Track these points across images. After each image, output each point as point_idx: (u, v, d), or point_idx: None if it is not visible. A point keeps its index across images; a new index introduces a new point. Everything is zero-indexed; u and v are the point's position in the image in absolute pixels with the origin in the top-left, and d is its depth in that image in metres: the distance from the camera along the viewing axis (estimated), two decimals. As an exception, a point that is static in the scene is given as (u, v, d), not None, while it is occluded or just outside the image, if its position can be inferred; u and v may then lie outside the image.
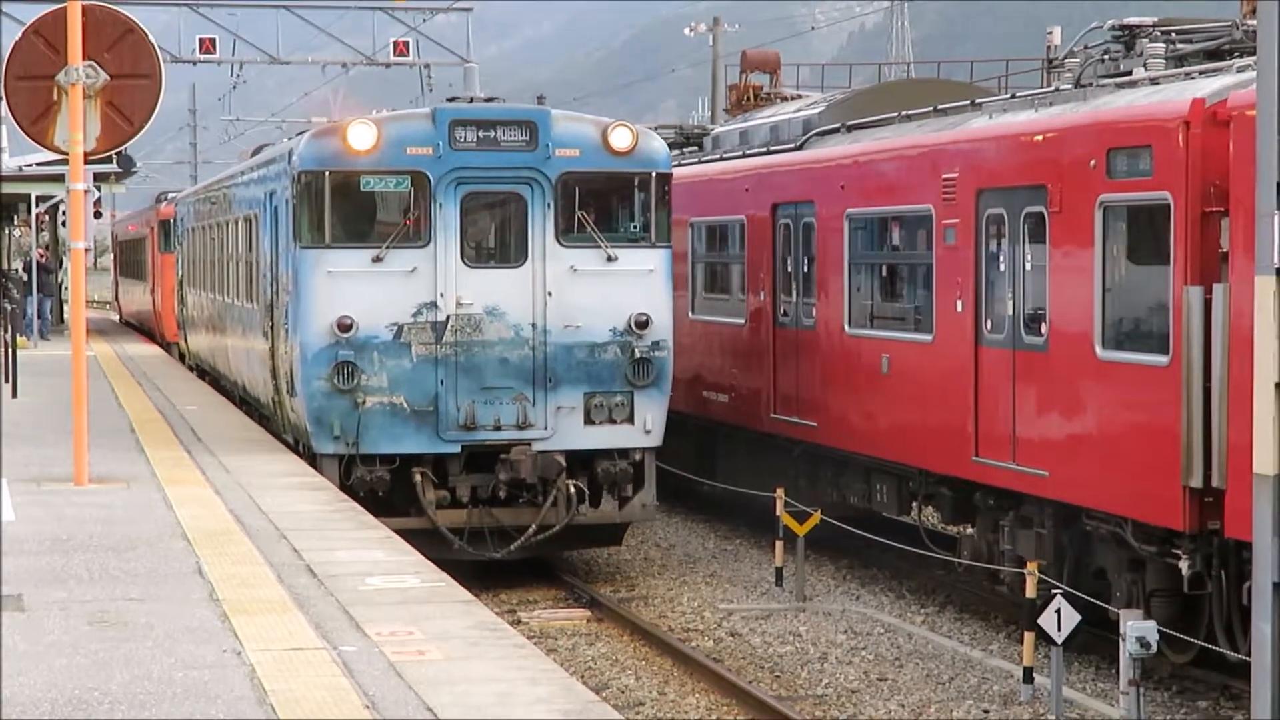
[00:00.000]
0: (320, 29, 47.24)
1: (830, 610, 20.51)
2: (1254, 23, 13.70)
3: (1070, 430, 17.14)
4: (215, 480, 18.64)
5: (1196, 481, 15.33)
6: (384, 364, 20.04)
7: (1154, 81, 17.20)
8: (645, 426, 20.70)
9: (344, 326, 19.90)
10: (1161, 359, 15.75)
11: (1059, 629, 15.41)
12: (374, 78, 45.98)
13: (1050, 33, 21.94)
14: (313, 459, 20.53)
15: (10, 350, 29.90)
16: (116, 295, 71.82)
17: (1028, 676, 16.44)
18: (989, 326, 18.76)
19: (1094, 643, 17.31)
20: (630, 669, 17.73)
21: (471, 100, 21.77)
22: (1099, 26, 18.92)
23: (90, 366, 22.88)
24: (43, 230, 55.02)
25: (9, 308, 37.51)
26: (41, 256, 51.56)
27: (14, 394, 27.84)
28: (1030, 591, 16.27)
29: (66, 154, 18.53)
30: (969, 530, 20.42)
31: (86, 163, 18.75)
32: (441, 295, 20.23)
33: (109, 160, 38.50)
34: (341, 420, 19.93)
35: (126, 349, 44.26)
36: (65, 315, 50.77)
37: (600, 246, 20.62)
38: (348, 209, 20.69)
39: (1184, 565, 15.74)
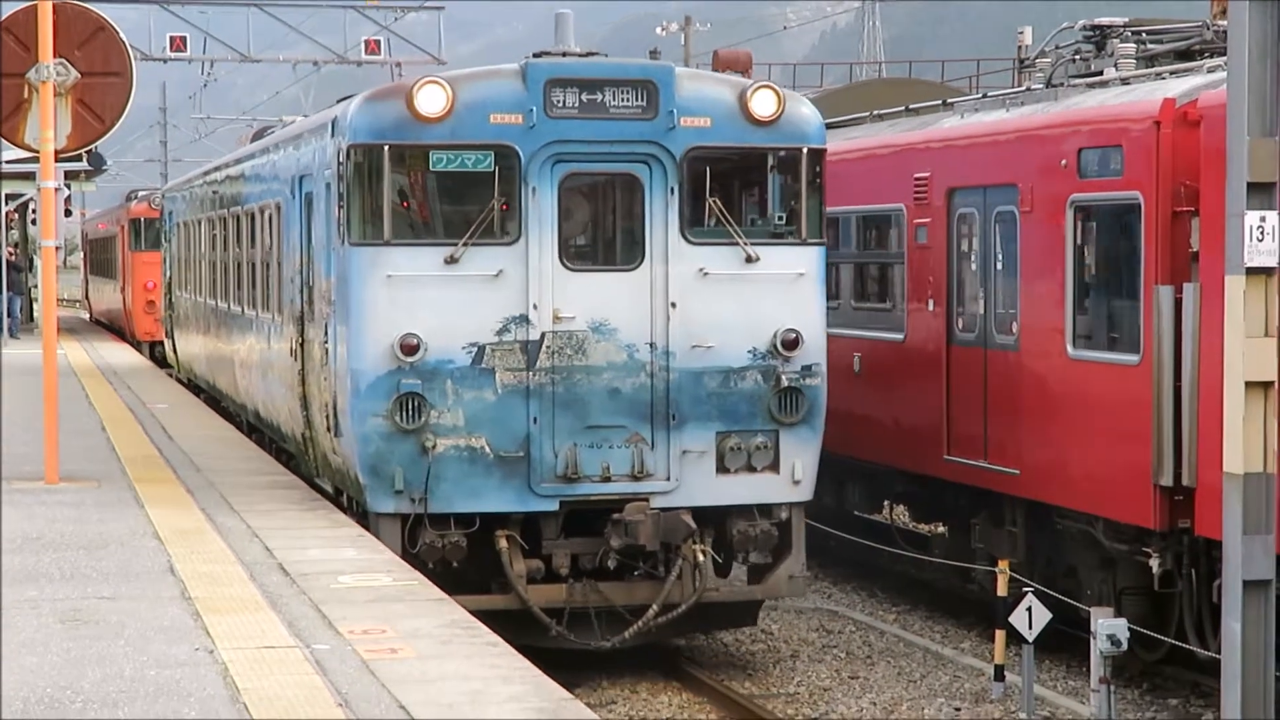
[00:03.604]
0: (291, 27, 47.34)
1: (802, 609, 20.54)
2: (1224, 23, 13.77)
3: (1041, 429, 17.19)
4: (187, 479, 18.59)
5: (1167, 480, 15.40)
6: (460, 396, 15.61)
7: (1125, 81, 17.27)
8: (793, 475, 16.16)
9: (409, 348, 15.47)
10: (1132, 358, 15.82)
11: (1030, 627, 15.47)
12: (345, 76, 45.80)
13: (1021, 33, 22.00)
14: (362, 515, 16.23)
15: (-20, 349, 29.84)
16: (86, 294, 71.67)
17: (999, 674, 16.50)
18: (960, 325, 18.83)
19: (1065, 641, 17.37)
20: (601, 667, 17.75)
21: (565, 55, 16.74)
22: (1070, 27, 18.99)
23: (60, 365, 22.83)
24: (12, 228, 54.93)
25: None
26: (11, 255, 51.48)
27: (-16, 393, 27.75)
28: (1001, 590, 16.32)
29: (37, 152, 18.51)
30: (940, 529, 20.47)
31: (57, 160, 18.74)
32: (534, 307, 15.72)
33: (79, 158, 38.47)
34: (405, 470, 15.53)
35: (97, 348, 44.15)
36: (35, 314, 50.65)
37: (738, 243, 16.07)
38: (413, 195, 16.26)
39: (1154, 563, 15.82)
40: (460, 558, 15.61)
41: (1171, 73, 16.90)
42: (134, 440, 22.23)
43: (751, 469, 16.04)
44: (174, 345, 34.77)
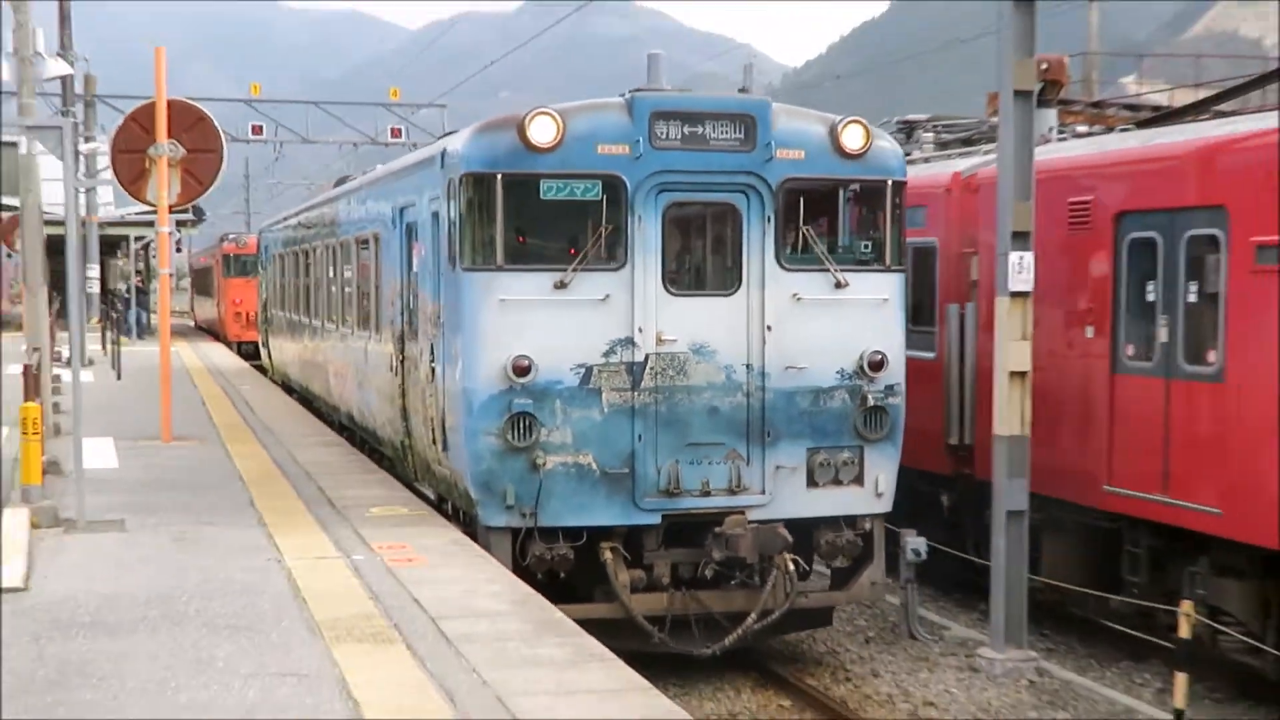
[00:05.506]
0: (338, 118, 47.39)
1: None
2: (996, 119, 13.95)
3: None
4: (263, 439, 18.58)
5: (955, 440, 15.56)
6: (568, 415, 12.09)
7: (927, 160, 17.43)
8: (876, 488, 12.79)
9: (520, 369, 11.94)
10: (931, 355, 15.99)
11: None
12: (375, 155, 45.80)
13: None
14: (468, 523, 12.75)
15: (116, 346, 29.75)
16: (192, 307, 71.22)
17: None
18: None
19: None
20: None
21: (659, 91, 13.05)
22: (888, 121, 19.15)
23: (172, 360, 22.69)
24: (139, 261, 54.57)
25: (115, 316, 37.18)
26: (138, 280, 51.22)
27: (119, 377, 27.65)
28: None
29: (155, 206, 18.50)
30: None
31: (170, 212, 18.71)
32: (640, 330, 12.18)
33: (186, 211, 38.26)
34: (516, 486, 12.00)
35: (199, 346, 43.88)
36: (154, 321, 50.29)
37: (828, 270, 12.53)
38: (524, 221, 12.33)
39: (945, 499, 15.98)
40: (567, 569, 12.12)
41: (959, 154, 17.08)
42: (226, 412, 22.17)
43: (838, 483, 12.72)
44: (269, 354, 30.45)
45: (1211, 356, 12.20)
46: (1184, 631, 11.37)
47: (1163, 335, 12.74)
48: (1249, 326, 11.73)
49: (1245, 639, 12.08)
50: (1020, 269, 13.08)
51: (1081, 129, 16.09)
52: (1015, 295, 13.09)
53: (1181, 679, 11.37)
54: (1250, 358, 11.72)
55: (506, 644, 8.51)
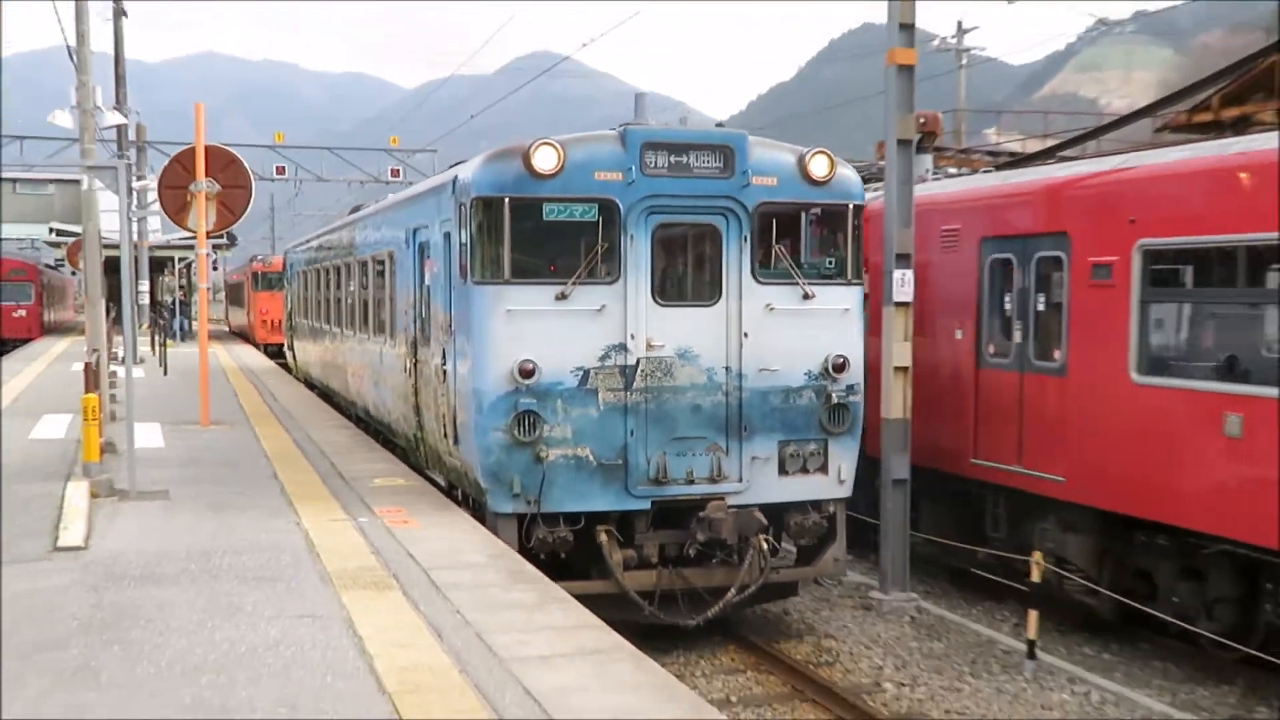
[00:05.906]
0: (347, 161, 47.27)
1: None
2: (883, 163, 14.00)
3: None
4: (285, 423, 18.39)
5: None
6: (568, 413, 11.12)
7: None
8: (839, 476, 11.82)
9: (526, 372, 10.96)
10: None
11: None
12: (379, 190, 45.57)
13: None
14: (476, 509, 11.79)
15: (163, 348, 29.50)
16: (226, 316, 70.55)
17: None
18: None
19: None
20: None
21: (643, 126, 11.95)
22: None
23: (209, 358, 22.43)
24: (181, 277, 54.13)
25: (162, 323, 36.86)
26: (181, 293, 50.81)
27: (165, 373, 27.34)
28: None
29: (196, 232, 18.30)
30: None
31: (208, 238, 18.52)
32: (631, 337, 11.22)
33: (221, 236, 37.92)
34: (522, 476, 11.05)
35: (231, 348, 43.48)
36: (195, 327, 49.88)
37: (797, 283, 11.56)
38: (529, 240, 11.22)
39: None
40: (567, 550, 11.18)
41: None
42: (254, 401, 21.94)
43: (806, 471, 11.74)
44: (293, 355, 28.85)
45: (1056, 354, 12.30)
46: (1035, 577, 11.45)
47: (1018, 337, 12.84)
48: (1086, 330, 11.84)
49: (1085, 583, 12.18)
50: (902, 284, 13.15)
51: (952, 171, 16.18)
52: (898, 305, 13.15)
53: (1033, 615, 11.46)
54: (1087, 355, 11.82)
55: (485, 590, 8.47)
